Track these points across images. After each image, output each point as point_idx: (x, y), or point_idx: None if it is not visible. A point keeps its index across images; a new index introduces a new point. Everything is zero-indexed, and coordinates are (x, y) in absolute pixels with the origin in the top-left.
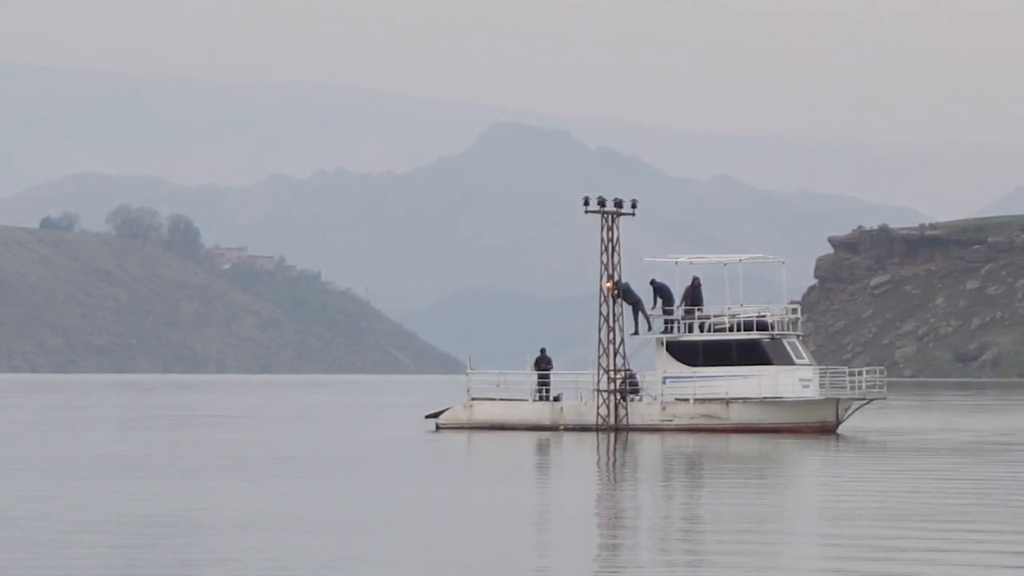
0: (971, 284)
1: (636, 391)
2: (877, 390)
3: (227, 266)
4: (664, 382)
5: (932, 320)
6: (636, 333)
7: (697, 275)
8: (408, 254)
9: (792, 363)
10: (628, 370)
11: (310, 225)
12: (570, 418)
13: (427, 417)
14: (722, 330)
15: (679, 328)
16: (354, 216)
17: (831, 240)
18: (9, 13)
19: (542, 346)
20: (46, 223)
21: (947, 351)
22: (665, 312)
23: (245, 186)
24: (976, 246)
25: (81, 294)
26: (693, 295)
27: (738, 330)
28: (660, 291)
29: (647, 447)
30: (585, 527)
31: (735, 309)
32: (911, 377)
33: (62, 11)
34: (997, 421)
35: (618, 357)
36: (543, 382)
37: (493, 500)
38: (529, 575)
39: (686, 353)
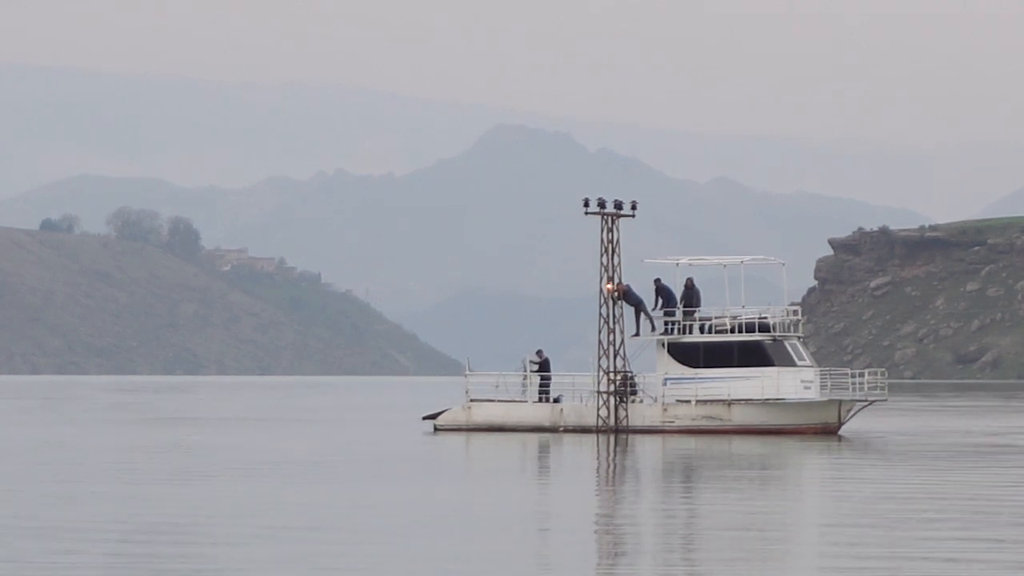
0: (971, 286)
1: (634, 392)
2: (878, 392)
3: (227, 268)
4: (665, 383)
5: (932, 322)
6: (637, 335)
7: (692, 276)
8: (408, 256)
9: (794, 364)
10: (627, 371)
11: (310, 226)
12: (570, 420)
13: (425, 419)
14: (723, 331)
15: (680, 329)
16: (354, 217)
17: (831, 242)
18: (9, 13)
19: (539, 348)
20: (46, 225)
21: (947, 353)
22: (666, 314)
23: (245, 187)
24: (976, 248)
25: (81, 296)
26: (688, 297)
27: (739, 332)
28: (662, 292)
29: (648, 449)
30: (584, 531)
31: (736, 311)
32: (911, 379)
33: (62, 11)
34: (998, 423)
35: (618, 359)
36: (543, 383)
37: (492, 503)
38: None
39: (687, 354)
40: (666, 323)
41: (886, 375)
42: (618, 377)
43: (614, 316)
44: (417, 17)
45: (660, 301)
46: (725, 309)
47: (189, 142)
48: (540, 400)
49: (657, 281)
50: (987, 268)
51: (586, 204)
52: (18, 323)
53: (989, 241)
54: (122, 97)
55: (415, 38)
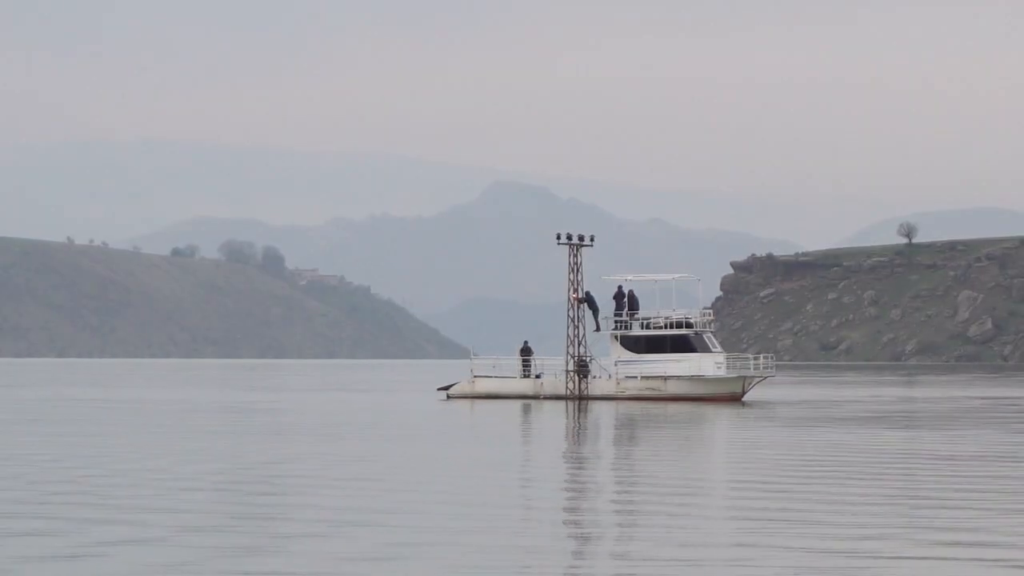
0: (831, 295)
1: (587, 373)
2: (769, 370)
3: (304, 282)
4: (616, 365)
5: (804, 320)
6: (598, 330)
7: (633, 288)
8: (433, 273)
9: (710, 351)
10: (583, 357)
11: (363, 253)
12: (548, 391)
13: (440, 389)
14: (659, 328)
15: (627, 326)
16: (394, 246)
17: (732, 264)
18: (164, 95)
19: (525, 339)
20: (175, 252)
21: (815, 343)
22: (616, 315)
23: (317, 225)
24: (835, 268)
25: (200, 302)
26: (630, 302)
27: (671, 328)
28: (618, 298)
29: (605, 412)
30: (556, 470)
31: (667, 313)
32: (789, 362)
33: (203, 94)
34: (859, 392)
35: (581, 347)
36: (526, 364)
37: (488, 450)
38: (512, 505)
39: (634, 344)
40: (616, 322)
41: (773, 359)
42: (575, 360)
43: (579, 317)
44: (444, 108)
45: (617, 304)
46: (659, 311)
47: (277, 194)
48: (525, 376)
49: (620, 287)
50: (843, 283)
51: (559, 238)
52: (156, 321)
53: (844, 264)
54: (231, 164)
55: (440, 120)
